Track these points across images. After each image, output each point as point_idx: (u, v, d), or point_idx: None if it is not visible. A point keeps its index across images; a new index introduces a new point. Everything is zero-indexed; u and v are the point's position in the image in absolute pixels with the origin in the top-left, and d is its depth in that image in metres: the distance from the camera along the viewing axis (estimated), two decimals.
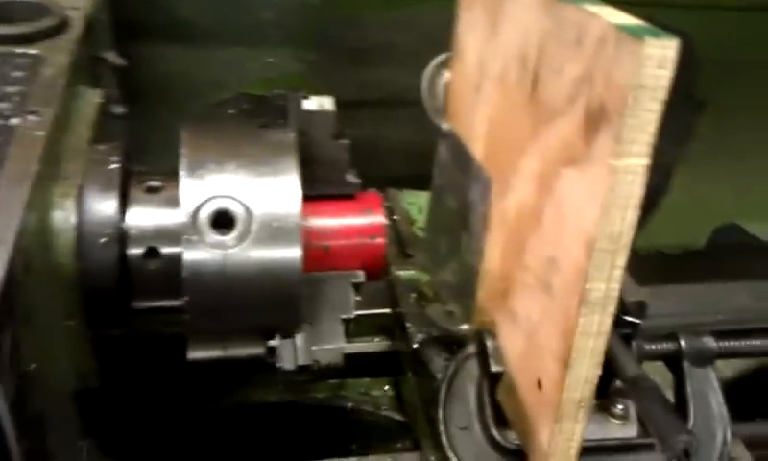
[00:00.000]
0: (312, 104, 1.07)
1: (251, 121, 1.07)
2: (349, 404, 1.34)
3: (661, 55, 0.62)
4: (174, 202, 0.96)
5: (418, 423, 1.17)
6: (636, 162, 0.66)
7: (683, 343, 0.95)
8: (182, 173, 0.95)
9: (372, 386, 1.38)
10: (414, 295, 1.32)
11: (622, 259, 0.69)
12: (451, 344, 1.11)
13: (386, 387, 1.39)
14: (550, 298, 0.77)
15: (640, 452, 0.93)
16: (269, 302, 0.95)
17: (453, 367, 0.93)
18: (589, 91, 0.70)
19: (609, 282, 0.70)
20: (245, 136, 1.03)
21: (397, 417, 1.34)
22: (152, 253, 0.95)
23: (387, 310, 1.36)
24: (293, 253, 0.94)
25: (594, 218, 0.68)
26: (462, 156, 1.10)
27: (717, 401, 0.92)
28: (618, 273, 0.69)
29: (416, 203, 1.71)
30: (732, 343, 0.97)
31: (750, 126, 1.92)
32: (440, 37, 1.79)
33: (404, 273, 1.38)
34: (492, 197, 0.96)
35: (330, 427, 1.36)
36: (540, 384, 0.79)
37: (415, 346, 1.18)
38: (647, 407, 0.76)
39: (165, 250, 0.95)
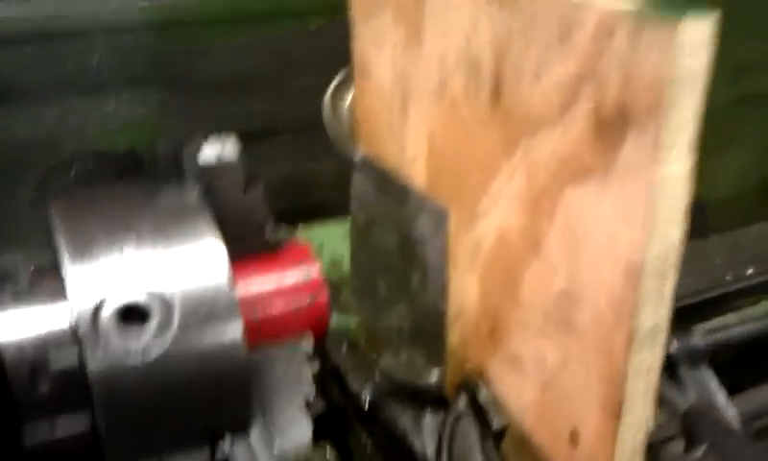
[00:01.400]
0: (211, 150, 0.88)
1: (133, 183, 0.86)
2: None
3: (698, 38, 0.53)
4: (60, 297, 0.75)
5: None
6: (679, 168, 0.56)
7: (674, 345, 0.87)
8: (67, 262, 0.74)
9: (312, 454, 1.20)
10: (345, 343, 1.17)
11: (671, 282, 0.59)
12: (414, 395, 0.97)
13: (327, 452, 1.21)
14: (575, 338, 0.66)
15: None
16: (210, 398, 0.77)
17: (448, 430, 0.79)
18: (597, 93, 0.60)
19: (658, 309, 0.60)
20: (135, 201, 0.83)
21: None
22: (40, 372, 0.74)
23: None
24: (231, 331, 0.76)
25: (632, 240, 0.58)
26: (389, 186, 0.96)
27: (724, 402, 0.86)
28: (668, 297, 0.59)
29: (313, 238, 1.55)
30: (719, 335, 0.91)
31: None
32: (299, 58, 1.65)
33: None
34: (452, 227, 0.84)
35: None
36: (573, 438, 0.68)
37: (367, 402, 1.03)
38: (718, 441, 0.68)
39: (58, 365, 0.74)
